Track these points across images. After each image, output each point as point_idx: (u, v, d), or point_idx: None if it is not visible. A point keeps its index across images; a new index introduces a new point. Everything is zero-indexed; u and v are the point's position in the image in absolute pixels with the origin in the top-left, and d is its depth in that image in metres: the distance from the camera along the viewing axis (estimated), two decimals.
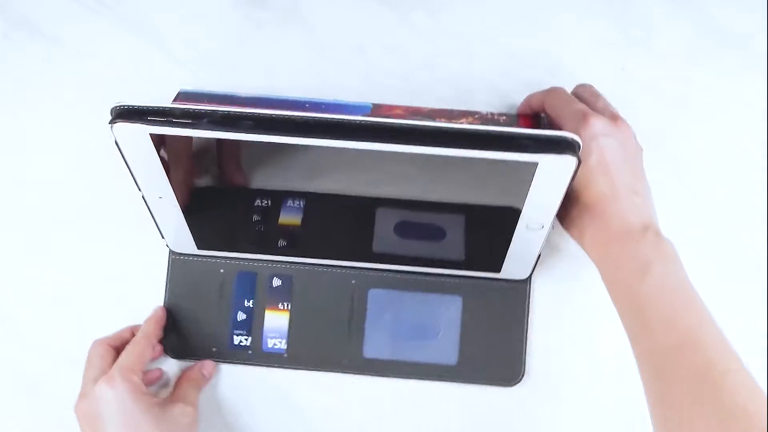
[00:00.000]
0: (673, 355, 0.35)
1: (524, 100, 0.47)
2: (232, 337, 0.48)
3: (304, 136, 0.34)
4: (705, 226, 0.50)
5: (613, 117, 0.40)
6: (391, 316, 0.48)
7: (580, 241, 0.41)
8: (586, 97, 0.43)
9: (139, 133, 0.35)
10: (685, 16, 0.51)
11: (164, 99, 0.44)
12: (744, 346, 0.50)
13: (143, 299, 0.49)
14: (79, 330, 0.49)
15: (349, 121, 0.34)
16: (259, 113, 0.34)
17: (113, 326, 0.48)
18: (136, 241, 0.49)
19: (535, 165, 0.35)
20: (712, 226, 0.50)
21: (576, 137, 0.35)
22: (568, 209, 0.40)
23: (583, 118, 0.39)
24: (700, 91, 0.51)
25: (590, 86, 0.44)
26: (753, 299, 0.49)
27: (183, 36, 0.51)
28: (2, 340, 0.49)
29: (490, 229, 0.44)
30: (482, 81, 0.50)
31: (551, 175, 0.36)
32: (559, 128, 0.41)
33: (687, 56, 0.51)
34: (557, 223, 0.42)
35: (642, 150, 0.41)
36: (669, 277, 0.36)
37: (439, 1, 0.51)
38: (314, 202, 0.44)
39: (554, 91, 0.43)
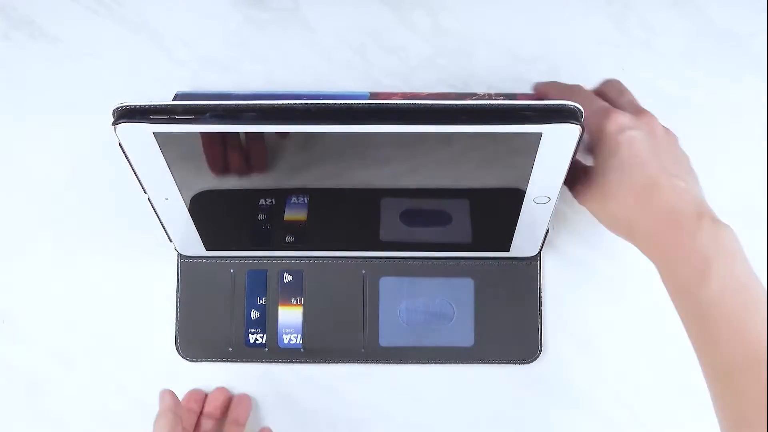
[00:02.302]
0: (745, 372, 0.32)
1: (535, 86, 0.45)
2: (248, 336, 0.48)
3: (306, 124, 0.34)
4: None
5: (637, 111, 0.39)
6: (404, 302, 0.48)
7: (631, 239, 0.38)
8: (610, 94, 0.41)
9: (143, 133, 0.35)
10: (685, 16, 0.51)
11: (164, 100, 0.44)
12: None
13: (151, 302, 0.49)
14: (83, 334, 0.49)
15: (350, 105, 0.34)
16: (261, 104, 0.34)
17: (119, 330, 0.48)
18: (142, 243, 0.49)
19: (539, 136, 0.35)
20: None
21: (578, 105, 0.34)
22: (612, 210, 0.38)
23: (605, 115, 0.37)
24: (700, 91, 0.51)
25: (616, 82, 0.43)
26: None
27: (183, 36, 0.51)
28: (2, 340, 0.49)
29: (497, 209, 0.43)
30: (482, 81, 0.50)
31: (555, 145, 0.35)
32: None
33: (687, 56, 0.51)
34: (561, 194, 0.41)
35: (676, 137, 0.39)
36: (732, 277, 0.33)
37: (439, 1, 0.51)
38: (318, 197, 0.44)
39: (575, 90, 0.42)
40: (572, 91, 0.42)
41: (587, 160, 0.41)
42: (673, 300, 0.36)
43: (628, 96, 0.41)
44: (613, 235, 0.39)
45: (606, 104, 0.39)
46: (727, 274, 0.33)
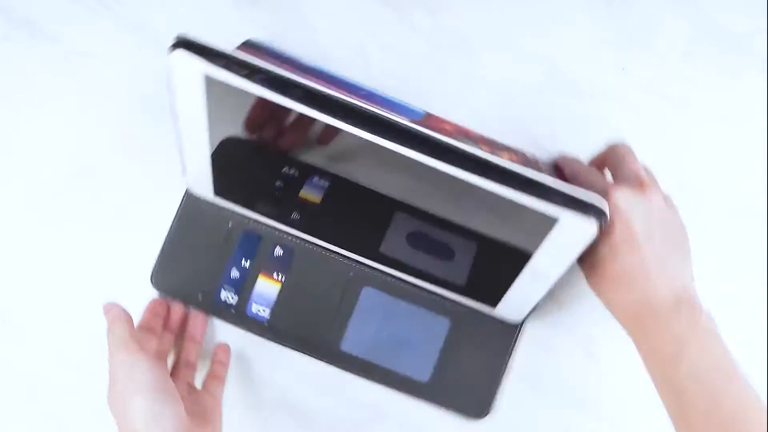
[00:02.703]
0: None
1: (557, 158, 0.46)
2: (220, 292, 0.48)
3: (349, 124, 0.34)
4: (705, 226, 0.50)
5: (640, 183, 0.39)
6: (377, 317, 0.48)
7: (611, 311, 0.39)
8: (612, 162, 0.42)
9: (194, 69, 0.35)
10: (685, 17, 0.51)
11: (227, 44, 0.44)
12: (744, 346, 0.50)
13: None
14: (83, 334, 0.49)
15: (397, 123, 0.34)
16: (313, 87, 0.34)
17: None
18: (142, 243, 0.49)
19: (555, 219, 0.35)
20: (712, 226, 0.50)
21: (603, 204, 0.34)
22: (599, 279, 0.39)
23: (604, 194, 0.38)
24: (700, 91, 0.51)
25: (620, 147, 0.42)
26: (753, 299, 0.49)
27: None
28: (2, 340, 0.49)
29: (499, 263, 0.43)
30: (482, 81, 0.50)
31: (569, 233, 0.36)
32: None
33: (687, 56, 0.51)
34: (563, 278, 0.41)
35: (675, 209, 0.39)
36: (706, 356, 0.35)
37: (439, 1, 0.51)
38: (338, 186, 0.43)
39: (580, 175, 0.42)
40: (572, 163, 0.43)
41: None
42: (649, 372, 0.37)
43: (630, 163, 0.40)
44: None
45: (605, 183, 0.39)
46: (702, 353, 0.35)
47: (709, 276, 0.50)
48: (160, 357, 0.45)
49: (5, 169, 0.50)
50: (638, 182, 0.39)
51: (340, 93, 0.35)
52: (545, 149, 0.49)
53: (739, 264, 0.50)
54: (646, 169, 0.40)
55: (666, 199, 0.39)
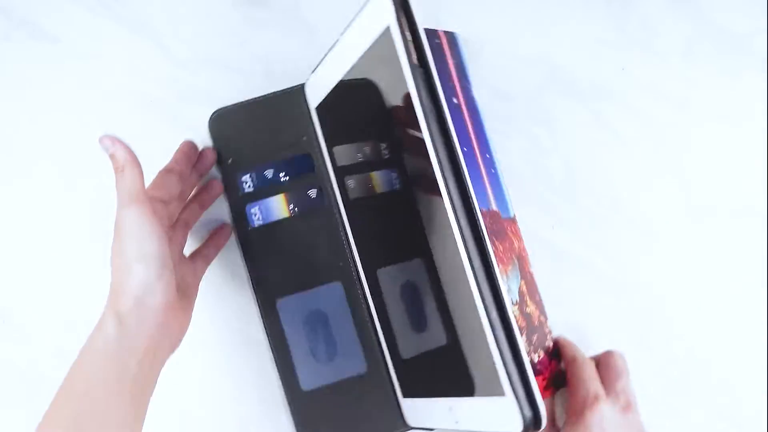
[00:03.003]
0: None
1: (557, 338, 0.47)
2: (246, 174, 0.48)
3: (441, 174, 0.35)
4: (705, 226, 0.50)
5: (626, 406, 0.41)
6: (334, 315, 0.47)
7: None
8: (608, 372, 0.43)
9: (384, 21, 0.35)
10: (685, 17, 0.51)
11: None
12: (744, 345, 0.50)
13: None
14: (83, 334, 0.49)
15: (473, 213, 0.35)
16: (448, 128, 0.35)
17: None
18: None
19: (503, 393, 0.35)
20: (712, 226, 0.50)
21: (543, 418, 0.34)
22: None
23: (592, 404, 0.40)
24: (700, 91, 0.51)
25: (619, 359, 0.44)
26: (753, 299, 0.49)
27: (183, 36, 0.51)
28: (2, 340, 0.49)
29: (443, 373, 0.42)
30: (482, 81, 0.50)
31: (500, 411, 0.35)
32: (572, 392, 0.42)
33: (687, 56, 0.51)
34: None
35: None
36: None
37: (438, 1, 0.51)
38: (399, 197, 0.42)
39: (577, 362, 0.44)
40: (574, 362, 0.44)
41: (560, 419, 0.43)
42: None
43: (623, 382, 0.42)
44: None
45: (598, 390, 0.41)
46: None
47: (709, 276, 0.50)
48: (168, 221, 0.43)
49: (5, 169, 0.50)
50: (626, 403, 0.41)
51: (470, 144, 0.35)
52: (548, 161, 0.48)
53: (739, 264, 0.50)
54: (633, 393, 0.42)
55: (642, 427, 0.42)
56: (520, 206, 0.48)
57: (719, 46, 0.51)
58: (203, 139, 0.49)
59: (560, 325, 0.49)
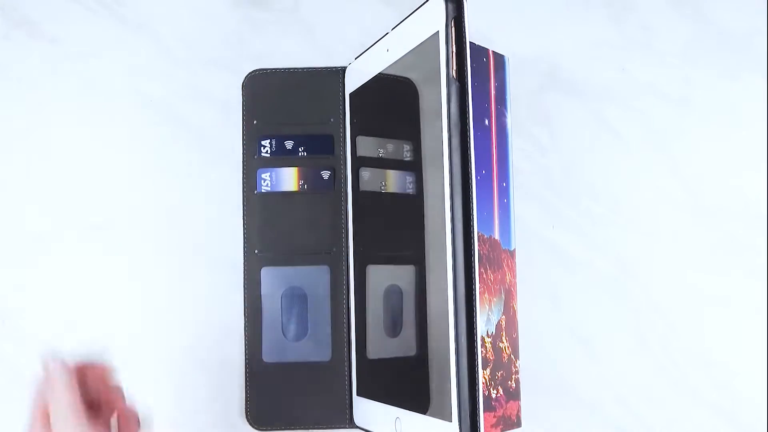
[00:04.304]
0: None
1: None
2: (269, 139, 0.48)
3: (449, 188, 0.36)
4: (705, 226, 0.50)
5: None
6: (313, 297, 0.48)
7: None
8: None
9: (438, 15, 0.36)
10: (684, 17, 0.51)
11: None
12: (744, 345, 0.50)
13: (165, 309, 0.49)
14: (83, 334, 0.49)
15: (469, 238, 0.35)
16: (468, 145, 0.36)
17: (120, 330, 0.48)
18: (142, 243, 0.49)
19: (451, 421, 0.35)
20: (712, 226, 0.50)
21: None
22: None
23: None
24: (700, 91, 0.51)
25: None
26: (753, 299, 0.49)
27: (183, 36, 0.51)
28: (2, 340, 0.49)
29: (400, 379, 0.42)
30: None
31: None
32: None
33: (687, 56, 0.51)
34: None
35: None
36: None
37: None
38: (409, 200, 0.42)
39: None
40: None
41: None
42: None
43: None
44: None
45: None
46: None
47: (709, 276, 0.50)
48: None
49: (4, 169, 0.50)
50: None
51: (489, 168, 0.36)
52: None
53: (739, 264, 0.50)
54: None
55: None
56: (520, 206, 0.48)
57: (719, 46, 0.51)
58: (205, 135, 0.49)
59: (560, 325, 0.49)
